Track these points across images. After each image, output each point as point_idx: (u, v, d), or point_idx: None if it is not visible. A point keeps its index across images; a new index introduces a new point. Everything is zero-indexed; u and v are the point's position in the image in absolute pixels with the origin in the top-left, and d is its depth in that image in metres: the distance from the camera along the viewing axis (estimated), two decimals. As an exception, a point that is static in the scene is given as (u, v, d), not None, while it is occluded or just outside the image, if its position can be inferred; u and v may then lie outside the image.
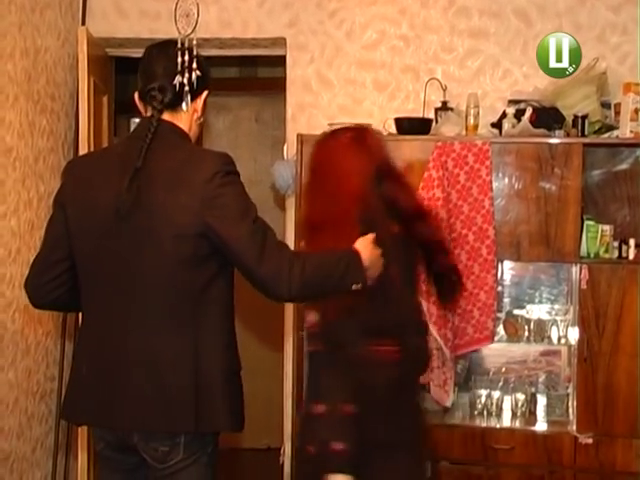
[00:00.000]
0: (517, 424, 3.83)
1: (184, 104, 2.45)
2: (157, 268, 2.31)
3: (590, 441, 3.63)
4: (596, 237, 3.66)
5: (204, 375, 2.29)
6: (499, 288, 3.91)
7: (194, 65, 2.47)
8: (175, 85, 2.41)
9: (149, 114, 2.41)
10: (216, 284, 2.34)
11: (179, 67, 2.45)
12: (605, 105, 3.83)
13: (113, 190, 2.30)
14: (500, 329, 3.92)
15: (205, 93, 2.51)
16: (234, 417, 2.33)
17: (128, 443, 2.33)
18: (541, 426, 3.80)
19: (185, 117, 2.46)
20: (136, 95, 2.48)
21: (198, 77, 2.46)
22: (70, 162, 2.65)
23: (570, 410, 3.80)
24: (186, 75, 2.45)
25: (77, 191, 2.42)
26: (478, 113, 3.81)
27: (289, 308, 4.09)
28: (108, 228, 2.32)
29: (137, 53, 4.44)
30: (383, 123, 3.97)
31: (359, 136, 2.65)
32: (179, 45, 2.47)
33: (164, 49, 2.47)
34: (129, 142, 2.44)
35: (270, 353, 5.17)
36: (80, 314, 2.60)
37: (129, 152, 2.34)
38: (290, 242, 4.06)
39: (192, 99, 2.46)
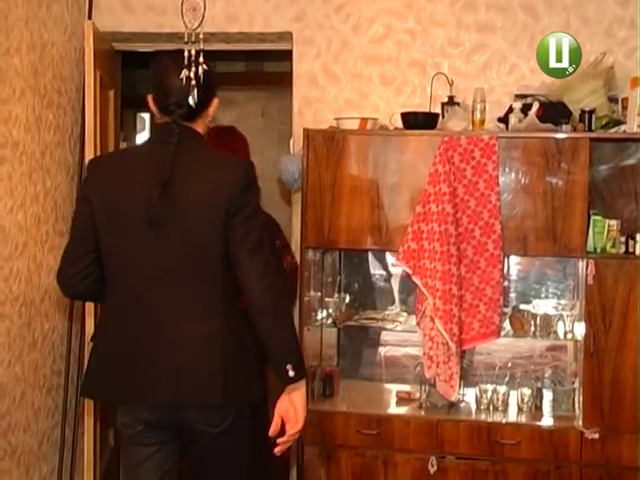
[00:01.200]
0: (523, 419, 3.83)
1: (190, 98, 2.48)
2: (187, 261, 2.57)
3: (596, 436, 3.63)
4: (603, 232, 3.65)
5: (243, 353, 2.63)
6: (505, 283, 3.90)
7: (200, 59, 2.48)
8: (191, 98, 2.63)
9: (167, 119, 2.66)
10: (234, 275, 2.60)
11: (185, 61, 2.46)
12: (612, 100, 3.82)
13: (144, 191, 2.54)
14: (506, 324, 3.91)
15: (216, 100, 2.75)
16: (263, 388, 2.76)
17: (170, 420, 2.64)
18: (547, 421, 3.79)
19: (201, 122, 2.73)
20: (150, 98, 2.70)
21: (210, 85, 2.70)
22: (93, 160, 2.87)
23: (576, 405, 3.79)
24: (193, 69, 2.46)
25: (103, 188, 2.62)
26: (485, 108, 3.80)
27: (296, 303, 4.09)
28: (139, 225, 2.54)
29: (143, 47, 4.50)
30: (389, 118, 3.97)
31: None
32: (185, 39, 2.47)
33: (178, 62, 2.64)
34: (154, 146, 2.69)
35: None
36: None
37: (156, 156, 2.59)
38: (296, 236, 4.07)
39: (206, 106, 2.70)
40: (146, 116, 6.94)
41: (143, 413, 2.64)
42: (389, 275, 4.34)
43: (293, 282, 3.94)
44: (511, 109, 3.77)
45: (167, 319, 2.58)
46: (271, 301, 2.59)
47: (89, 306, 3.79)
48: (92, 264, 2.66)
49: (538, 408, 3.88)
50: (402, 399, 4.03)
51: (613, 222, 3.66)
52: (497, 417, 3.83)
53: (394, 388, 4.11)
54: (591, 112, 3.67)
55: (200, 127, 2.72)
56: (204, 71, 2.66)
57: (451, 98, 3.95)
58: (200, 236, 2.56)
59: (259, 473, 3.09)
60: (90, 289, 2.70)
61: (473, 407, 3.93)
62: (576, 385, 3.82)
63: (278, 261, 2.78)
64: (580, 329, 3.74)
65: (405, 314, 4.19)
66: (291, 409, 2.67)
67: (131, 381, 2.60)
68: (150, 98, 2.71)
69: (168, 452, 2.74)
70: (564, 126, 3.67)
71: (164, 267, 2.57)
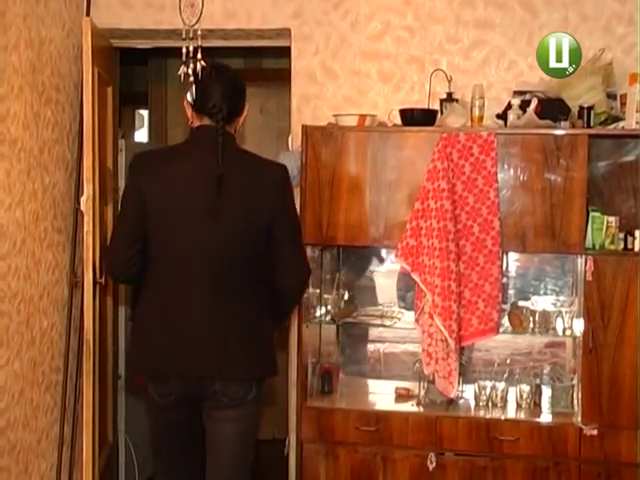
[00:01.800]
0: (522, 415, 3.83)
1: (188, 94, 2.51)
2: (234, 249, 2.96)
3: (595, 432, 3.63)
4: (601, 229, 3.65)
5: (264, 335, 3.06)
6: (504, 279, 3.91)
7: (199, 56, 2.48)
8: (231, 104, 3.00)
9: (206, 122, 3.01)
10: (265, 269, 3.03)
11: (184, 57, 2.47)
12: (611, 96, 3.82)
13: (197, 185, 2.93)
14: (505, 320, 3.91)
15: (247, 107, 3.14)
16: (276, 366, 3.12)
17: (199, 392, 3.01)
18: (546, 417, 3.80)
19: (233, 127, 3.10)
20: (185, 103, 3.05)
21: (243, 96, 3.10)
22: (140, 155, 3.14)
23: (575, 401, 3.80)
24: (191, 66, 2.47)
25: (154, 181, 2.97)
26: (483, 104, 3.80)
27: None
28: (193, 215, 2.93)
29: (142, 44, 4.50)
30: (388, 114, 3.97)
31: None
32: (183, 36, 2.48)
33: (223, 73, 3.05)
34: (201, 146, 3.02)
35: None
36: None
37: (203, 154, 2.98)
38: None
39: (240, 113, 3.11)
40: (144, 113, 6.93)
41: (176, 386, 3.01)
42: (388, 272, 4.34)
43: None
44: (510, 105, 3.77)
45: (209, 302, 2.97)
46: (300, 292, 3.27)
47: (87, 302, 3.79)
48: (140, 252, 3.01)
49: (537, 404, 3.89)
50: (401, 396, 4.04)
51: (612, 218, 3.66)
52: (496, 413, 3.83)
53: (393, 385, 4.11)
54: (590, 108, 3.67)
55: (232, 130, 3.08)
56: (238, 80, 3.08)
57: (450, 94, 3.95)
58: (248, 227, 2.96)
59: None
60: (136, 273, 3.05)
61: (472, 403, 3.93)
62: (575, 381, 3.83)
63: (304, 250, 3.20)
64: (579, 325, 3.74)
65: (404, 311, 4.19)
66: None
67: (170, 357, 2.97)
68: (187, 103, 3.05)
69: (194, 420, 3.11)
70: (563, 122, 3.67)
71: (214, 254, 2.95)
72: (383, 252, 4.23)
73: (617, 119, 3.72)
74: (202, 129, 3.06)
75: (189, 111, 3.09)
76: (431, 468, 3.75)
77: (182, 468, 3.23)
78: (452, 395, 3.76)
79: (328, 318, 4.10)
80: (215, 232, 2.94)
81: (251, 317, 3.02)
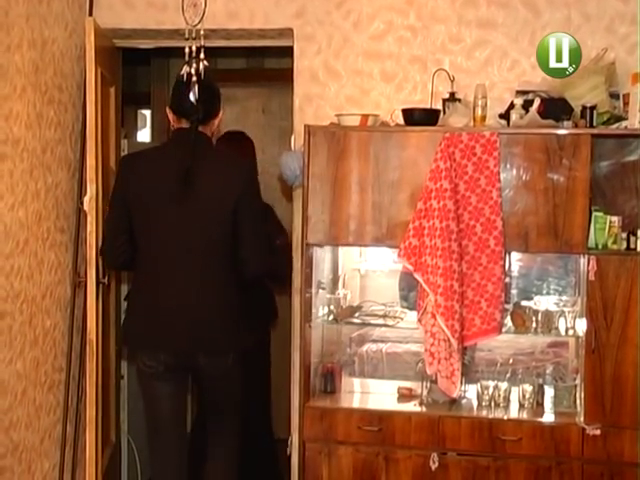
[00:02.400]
0: (524, 415, 3.83)
1: (191, 94, 2.51)
2: (202, 236, 3.41)
3: (598, 432, 3.63)
4: (604, 228, 3.65)
5: (240, 310, 3.52)
6: (507, 279, 3.90)
7: (201, 56, 2.49)
8: (205, 107, 3.39)
9: (184, 125, 3.43)
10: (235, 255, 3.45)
11: (186, 57, 2.48)
12: (614, 96, 3.81)
13: (170, 179, 3.36)
14: (508, 320, 3.91)
15: (221, 113, 3.53)
16: (251, 340, 3.65)
17: (186, 362, 3.51)
18: (548, 417, 3.79)
19: (208, 128, 3.50)
20: (168, 109, 3.50)
21: (218, 100, 3.49)
22: (124, 157, 3.72)
23: (578, 401, 3.79)
24: (194, 65, 2.48)
25: (135, 180, 3.44)
26: (486, 104, 3.80)
27: (297, 301, 4.10)
28: (166, 206, 3.38)
29: (144, 44, 4.50)
30: (390, 114, 3.97)
31: None
32: (186, 35, 2.49)
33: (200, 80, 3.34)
34: (177, 146, 3.46)
35: (277, 344, 5.17)
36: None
37: (177, 151, 3.40)
38: (297, 232, 4.08)
39: (213, 116, 3.47)
40: (147, 113, 6.94)
41: (165, 357, 3.48)
42: (390, 271, 4.34)
43: (286, 256, 4.32)
44: (512, 105, 3.76)
45: (185, 283, 3.42)
46: (261, 274, 3.76)
47: (90, 302, 3.79)
48: (127, 241, 3.50)
49: (539, 404, 3.88)
50: (403, 395, 4.04)
51: (614, 218, 3.65)
52: (498, 413, 3.83)
53: (395, 384, 4.11)
54: (592, 108, 3.66)
55: (208, 132, 3.49)
56: (213, 85, 3.41)
57: (452, 94, 3.95)
58: (214, 216, 3.38)
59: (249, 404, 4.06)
60: (126, 260, 3.58)
61: (474, 403, 3.93)
62: (577, 381, 3.82)
63: (268, 239, 3.69)
64: (581, 325, 3.74)
65: (406, 311, 4.19)
66: None
67: (158, 333, 3.46)
68: (168, 109, 3.50)
69: (181, 387, 3.64)
70: (565, 122, 3.67)
71: (184, 240, 3.39)
72: (386, 252, 4.23)
73: (620, 119, 3.72)
74: (180, 131, 3.48)
75: (170, 116, 3.50)
76: (434, 468, 3.75)
77: (173, 446, 3.67)
78: (455, 395, 3.76)
79: (331, 318, 4.10)
80: (183, 218, 3.40)
81: (226, 295, 3.49)
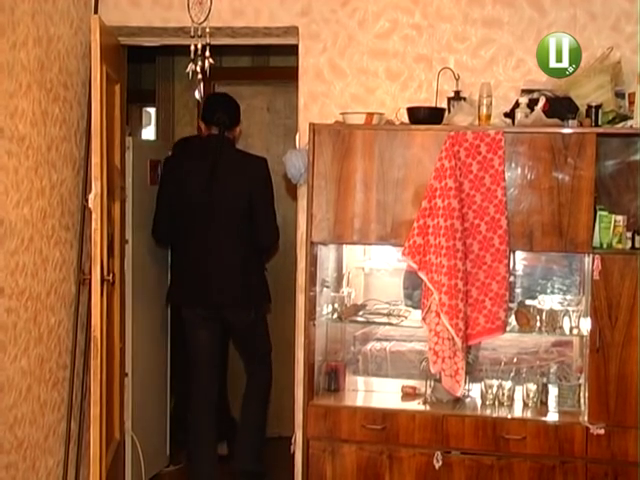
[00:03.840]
0: (528, 414, 3.83)
1: (197, 92, 2.52)
2: (228, 218, 4.50)
3: (602, 432, 3.63)
4: (609, 227, 3.65)
5: (258, 275, 4.68)
6: (511, 278, 3.90)
7: (207, 53, 2.49)
8: (230, 116, 4.61)
9: (213, 132, 4.54)
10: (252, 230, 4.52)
11: (192, 55, 2.48)
12: (619, 95, 3.81)
13: (204, 175, 4.47)
14: (512, 319, 3.90)
15: (241, 123, 4.73)
16: (269, 295, 4.73)
17: (217, 315, 4.63)
18: (552, 416, 3.79)
19: (232, 134, 4.64)
20: (200, 120, 4.77)
21: (239, 112, 4.66)
22: (168, 159, 4.87)
23: (582, 401, 3.79)
24: (199, 63, 2.48)
25: (179, 176, 4.55)
26: (491, 103, 3.79)
27: (301, 299, 4.10)
28: (201, 196, 4.46)
29: (150, 42, 4.50)
30: (395, 112, 3.97)
31: None
32: (192, 33, 2.49)
33: (224, 95, 4.87)
34: (209, 148, 4.54)
35: (281, 342, 5.18)
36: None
37: (211, 154, 4.50)
38: (302, 230, 4.08)
39: (237, 125, 4.67)
40: (152, 110, 6.94)
41: (201, 311, 4.64)
42: (395, 270, 4.34)
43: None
44: (517, 104, 3.76)
45: (216, 255, 4.51)
46: (271, 246, 4.89)
47: (95, 300, 3.80)
48: (172, 223, 4.63)
49: (543, 403, 3.88)
50: (407, 394, 4.04)
51: (619, 217, 3.65)
52: (502, 412, 3.83)
53: (399, 383, 4.11)
54: (598, 107, 3.66)
55: (231, 136, 4.62)
56: (236, 103, 4.62)
57: (457, 93, 3.95)
58: (236, 201, 4.48)
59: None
60: (171, 238, 4.79)
61: (478, 402, 3.93)
62: (582, 381, 3.82)
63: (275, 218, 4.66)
64: (586, 324, 3.74)
65: (411, 309, 4.19)
66: None
67: (195, 291, 4.59)
68: (200, 121, 4.73)
69: (217, 335, 4.74)
70: (570, 121, 3.67)
71: (215, 221, 4.47)
72: (390, 250, 4.23)
73: (625, 118, 3.71)
74: (210, 136, 4.58)
75: (202, 125, 4.64)
76: (437, 467, 3.75)
77: (208, 380, 4.74)
78: (459, 394, 3.76)
79: (335, 316, 4.10)
80: (213, 204, 4.45)
81: (248, 260, 4.58)
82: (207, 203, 4.44)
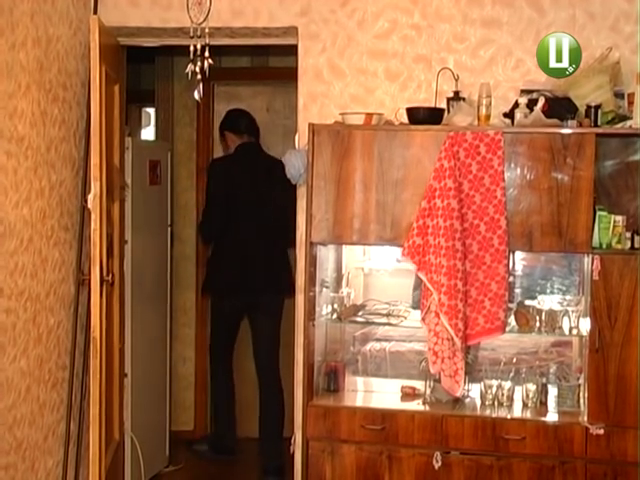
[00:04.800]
0: (528, 414, 3.83)
1: (196, 93, 2.51)
2: (266, 217, 5.16)
3: (601, 432, 3.63)
4: (608, 228, 3.65)
5: (287, 267, 5.18)
6: (510, 278, 3.90)
7: (206, 54, 2.49)
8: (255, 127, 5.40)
9: (246, 140, 5.31)
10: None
11: (191, 56, 2.48)
12: (618, 95, 3.81)
13: (246, 179, 5.18)
14: (511, 319, 3.91)
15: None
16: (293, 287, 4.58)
17: (248, 305, 5.28)
18: (552, 417, 3.79)
19: (258, 141, 5.39)
20: (227, 132, 5.36)
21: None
22: (213, 165, 5.54)
23: (581, 401, 3.79)
24: (198, 64, 2.48)
25: (225, 180, 5.20)
26: (490, 103, 3.79)
27: (301, 300, 4.10)
28: (248, 195, 5.14)
29: (149, 42, 4.50)
30: (395, 113, 3.97)
31: None
32: (191, 34, 2.48)
33: (243, 110, 5.51)
34: (249, 154, 5.30)
35: (281, 343, 5.18)
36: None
37: (249, 160, 5.28)
38: (302, 230, 4.08)
39: (259, 133, 5.43)
40: (151, 111, 6.94)
41: (234, 302, 5.26)
42: (394, 270, 4.34)
43: None
44: (517, 104, 3.76)
45: (253, 249, 5.14)
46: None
47: (94, 300, 3.79)
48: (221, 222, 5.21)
49: (543, 404, 3.88)
50: (407, 394, 4.04)
51: (619, 218, 3.65)
52: (502, 413, 3.83)
53: (399, 383, 4.11)
54: (597, 107, 3.66)
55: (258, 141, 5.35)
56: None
57: (457, 93, 3.95)
58: (268, 201, 5.12)
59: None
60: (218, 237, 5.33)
61: (478, 402, 3.93)
62: (581, 381, 3.82)
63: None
64: (585, 325, 3.74)
65: (410, 309, 4.19)
66: None
67: (232, 283, 5.22)
68: (226, 131, 5.38)
69: (236, 329, 5.43)
70: (570, 121, 3.67)
71: (256, 221, 5.13)
72: (389, 251, 4.23)
73: (624, 118, 3.71)
74: (243, 145, 5.28)
75: (231, 136, 5.32)
76: (437, 467, 3.75)
77: (226, 363, 5.46)
78: (458, 394, 3.76)
79: (334, 316, 4.10)
80: (256, 207, 5.13)
81: (278, 255, 5.23)
82: (248, 203, 5.14)
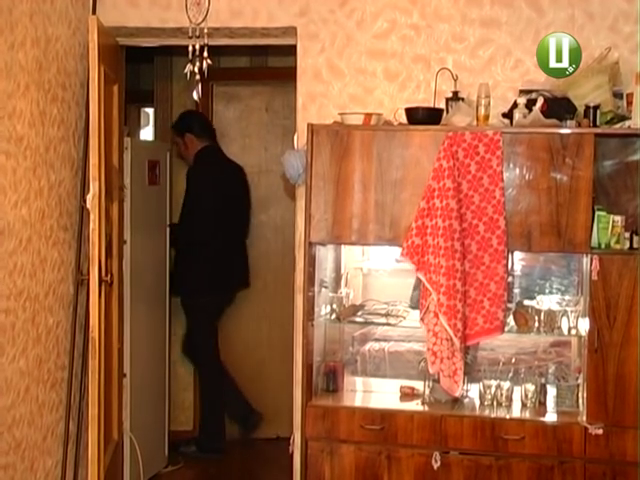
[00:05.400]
0: (527, 415, 3.83)
1: (195, 93, 2.52)
2: (239, 214, 5.66)
3: (600, 432, 3.63)
4: (607, 228, 3.65)
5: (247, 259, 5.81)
6: (509, 278, 3.90)
7: (205, 54, 2.49)
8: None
9: (205, 143, 5.48)
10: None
11: (190, 56, 2.48)
12: (617, 95, 3.81)
13: (224, 185, 5.50)
14: (510, 320, 3.90)
15: None
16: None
17: (229, 300, 5.70)
18: (551, 417, 3.79)
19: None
20: (192, 136, 5.47)
21: None
22: (194, 171, 5.53)
23: (580, 401, 3.79)
24: (197, 64, 2.48)
25: (205, 186, 5.40)
26: (489, 103, 3.79)
27: (299, 300, 4.10)
28: (225, 198, 5.45)
29: (148, 42, 4.50)
30: (394, 113, 3.97)
31: None
32: (190, 34, 2.49)
33: (202, 114, 5.72)
34: (217, 161, 5.58)
35: (280, 343, 5.18)
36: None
37: (219, 163, 5.61)
38: (300, 231, 4.08)
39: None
40: (150, 111, 6.94)
41: (219, 296, 5.59)
42: (393, 270, 4.34)
43: None
44: (515, 104, 3.76)
45: (231, 248, 5.56)
46: None
47: (93, 300, 3.79)
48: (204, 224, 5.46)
49: (542, 404, 3.88)
50: (406, 394, 4.04)
51: (617, 218, 3.65)
52: (501, 413, 3.83)
53: (398, 383, 4.11)
54: (596, 107, 3.66)
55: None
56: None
57: (455, 93, 3.95)
58: (239, 202, 5.63)
59: None
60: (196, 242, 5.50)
61: (477, 403, 3.93)
62: (580, 381, 3.82)
63: None
64: (584, 325, 3.74)
65: (409, 309, 4.18)
66: None
67: (219, 283, 5.51)
68: (192, 136, 5.47)
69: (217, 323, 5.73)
70: (569, 121, 3.67)
71: (230, 218, 5.44)
72: (388, 251, 4.23)
73: (623, 118, 3.71)
74: (207, 148, 5.48)
75: (192, 138, 5.45)
76: (436, 467, 3.75)
77: (219, 361, 5.62)
78: (457, 394, 3.76)
79: (333, 316, 4.10)
80: (230, 206, 5.47)
81: (245, 250, 5.68)
82: (229, 205, 5.45)
